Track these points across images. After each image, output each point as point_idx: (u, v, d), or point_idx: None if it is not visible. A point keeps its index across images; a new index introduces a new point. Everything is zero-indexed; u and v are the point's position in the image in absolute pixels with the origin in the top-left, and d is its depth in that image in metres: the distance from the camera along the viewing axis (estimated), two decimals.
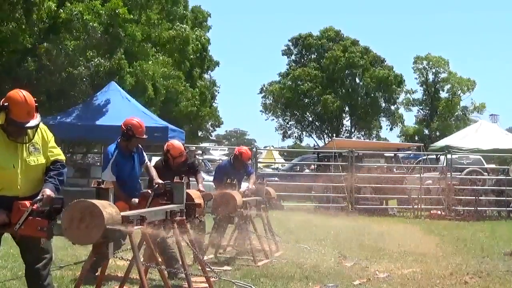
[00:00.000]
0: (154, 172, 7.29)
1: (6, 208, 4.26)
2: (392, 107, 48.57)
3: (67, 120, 15.52)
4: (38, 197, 4.33)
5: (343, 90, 46.58)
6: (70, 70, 16.68)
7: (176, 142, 8.47)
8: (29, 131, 4.50)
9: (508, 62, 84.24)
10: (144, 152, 7.45)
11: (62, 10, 16.12)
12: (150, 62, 20.62)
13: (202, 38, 31.76)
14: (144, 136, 7.17)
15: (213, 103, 38.49)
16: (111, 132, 15.61)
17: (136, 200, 6.86)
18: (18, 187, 4.46)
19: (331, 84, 45.97)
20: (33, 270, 4.61)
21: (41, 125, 4.64)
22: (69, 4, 16.41)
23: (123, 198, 6.81)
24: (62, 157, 4.77)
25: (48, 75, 16.58)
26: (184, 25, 26.59)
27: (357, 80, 46.63)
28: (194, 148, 17.30)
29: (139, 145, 7.35)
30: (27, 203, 4.25)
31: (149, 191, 6.78)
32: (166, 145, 8.36)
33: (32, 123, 4.43)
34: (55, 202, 4.28)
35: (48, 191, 4.42)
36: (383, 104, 47.89)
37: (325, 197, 18.63)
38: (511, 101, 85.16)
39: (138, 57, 19.36)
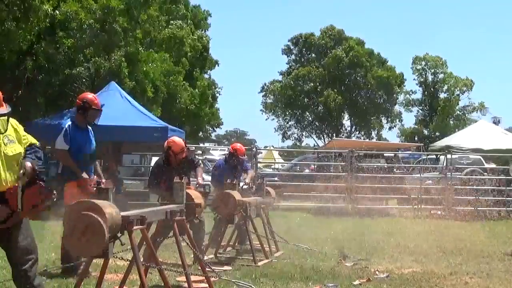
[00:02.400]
0: (98, 168, 7.50)
1: None
2: (394, 106, 48.60)
3: (67, 121, 15.51)
4: (21, 171, 4.46)
5: (344, 88, 46.54)
6: (69, 71, 16.70)
7: (177, 139, 8.49)
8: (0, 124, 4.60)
9: (507, 60, 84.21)
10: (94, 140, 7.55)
11: (58, 12, 16.16)
12: (149, 65, 20.61)
13: (204, 38, 31.76)
14: (100, 107, 7.38)
15: (214, 104, 38.50)
16: (111, 133, 15.67)
17: (87, 176, 7.06)
18: (3, 180, 4.51)
19: (333, 83, 45.93)
20: (21, 271, 4.66)
21: (11, 120, 4.73)
22: (63, 4, 16.42)
23: (74, 169, 7.06)
24: (35, 141, 4.90)
25: (46, 75, 16.61)
26: (179, 22, 26.47)
27: (359, 79, 46.51)
28: (194, 148, 17.33)
29: (91, 130, 7.49)
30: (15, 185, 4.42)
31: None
32: (166, 142, 8.35)
33: (1, 111, 4.55)
34: (37, 171, 4.46)
35: (28, 163, 4.54)
36: (383, 105, 47.87)
37: (325, 197, 18.63)
38: (510, 100, 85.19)
39: (138, 59, 19.33)
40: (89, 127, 7.48)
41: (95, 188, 6.82)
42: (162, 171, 8.17)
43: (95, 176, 7.28)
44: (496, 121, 46.49)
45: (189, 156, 8.60)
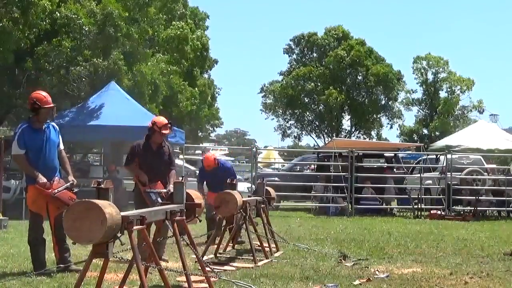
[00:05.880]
0: (67, 165, 7.42)
1: None
2: (394, 104, 48.51)
3: (67, 121, 15.52)
4: None
5: (345, 87, 46.47)
6: (68, 70, 16.71)
7: (161, 117, 8.60)
8: None
9: (507, 60, 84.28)
10: (60, 136, 7.49)
11: (58, 14, 16.14)
12: (149, 64, 20.56)
13: (203, 38, 31.77)
14: (50, 105, 7.24)
15: (214, 104, 38.51)
16: (111, 132, 15.69)
17: (45, 180, 7.00)
18: None
19: (333, 82, 45.87)
20: None
21: None
22: (64, 5, 16.40)
23: (31, 173, 7.02)
24: None
25: (47, 75, 16.61)
26: (182, 23, 26.52)
27: (359, 78, 46.38)
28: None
29: (56, 127, 7.44)
30: None
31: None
32: (151, 120, 8.45)
33: None
34: None
35: None
36: (383, 101, 47.74)
37: (325, 197, 18.64)
38: (510, 99, 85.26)
39: (137, 59, 19.28)
40: (51, 124, 7.40)
41: (56, 191, 6.96)
42: (140, 150, 8.22)
43: (57, 177, 7.24)
44: (481, 111, 46.97)
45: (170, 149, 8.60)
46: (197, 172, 19.54)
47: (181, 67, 26.72)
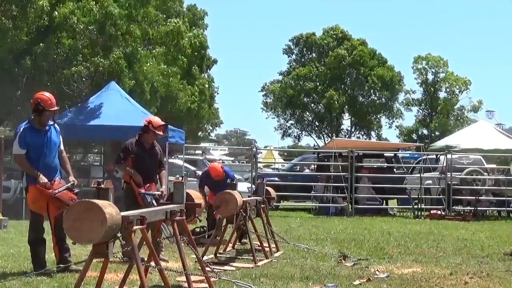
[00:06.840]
0: (68, 165, 7.45)
1: None
2: (394, 105, 48.55)
3: (67, 120, 15.50)
4: None
5: (346, 88, 46.49)
6: (67, 71, 16.69)
7: (157, 117, 8.61)
8: None
9: (506, 60, 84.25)
10: (61, 137, 7.51)
11: (56, 12, 16.14)
12: (148, 64, 20.52)
13: (200, 36, 31.68)
14: (54, 108, 7.28)
15: (213, 104, 38.45)
16: (110, 132, 15.68)
17: (45, 180, 7.03)
18: None
19: (334, 82, 45.89)
20: None
21: None
22: (61, 5, 16.40)
23: (31, 173, 7.05)
24: None
25: (46, 74, 16.61)
26: (177, 20, 26.39)
27: (361, 78, 46.37)
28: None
29: (57, 127, 7.46)
30: None
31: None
32: (145, 119, 8.46)
33: None
34: None
35: None
36: (383, 101, 47.76)
37: (325, 197, 18.63)
38: (506, 96, 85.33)
39: (138, 59, 19.24)
40: (53, 125, 7.40)
41: (57, 191, 6.98)
42: (134, 149, 8.22)
43: (57, 178, 7.25)
44: (476, 109, 47.29)
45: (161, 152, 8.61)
46: (197, 172, 19.62)
47: (180, 64, 26.60)
